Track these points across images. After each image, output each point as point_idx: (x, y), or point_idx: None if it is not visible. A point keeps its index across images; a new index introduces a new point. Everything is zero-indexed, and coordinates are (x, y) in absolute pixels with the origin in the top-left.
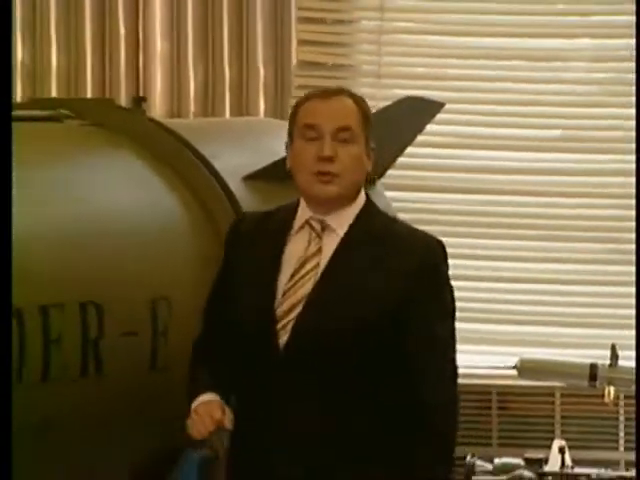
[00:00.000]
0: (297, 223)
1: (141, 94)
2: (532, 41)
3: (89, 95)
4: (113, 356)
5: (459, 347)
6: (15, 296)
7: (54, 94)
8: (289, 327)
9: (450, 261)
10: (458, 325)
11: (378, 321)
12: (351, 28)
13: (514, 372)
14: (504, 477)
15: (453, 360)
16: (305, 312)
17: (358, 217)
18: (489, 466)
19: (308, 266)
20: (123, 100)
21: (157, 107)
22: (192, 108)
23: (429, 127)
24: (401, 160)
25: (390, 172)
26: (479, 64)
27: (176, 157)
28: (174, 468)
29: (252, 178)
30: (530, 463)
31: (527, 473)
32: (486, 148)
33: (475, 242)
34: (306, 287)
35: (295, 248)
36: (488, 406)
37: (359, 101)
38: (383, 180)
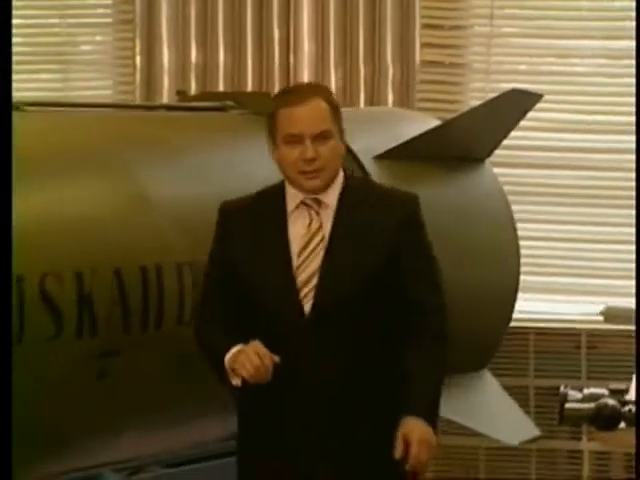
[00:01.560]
0: (290, 204)
1: None
2: (613, 43)
3: (249, 89)
4: None
5: (559, 297)
6: (186, 252)
7: (221, 88)
8: (311, 295)
9: (549, 226)
10: (558, 279)
11: (382, 270)
12: (465, 32)
13: (601, 318)
14: (592, 404)
15: (439, 288)
16: (323, 279)
17: (343, 189)
18: (579, 395)
19: (315, 240)
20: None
21: None
22: None
23: (529, 114)
24: (505, 142)
25: (497, 152)
26: (571, 62)
27: None
28: None
29: (382, 157)
30: (614, 393)
31: (611, 401)
32: (575, 131)
33: (569, 210)
34: (318, 259)
35: (297, 226)
36: (579, 346)
37: (328, 97)
38: (491, 158)
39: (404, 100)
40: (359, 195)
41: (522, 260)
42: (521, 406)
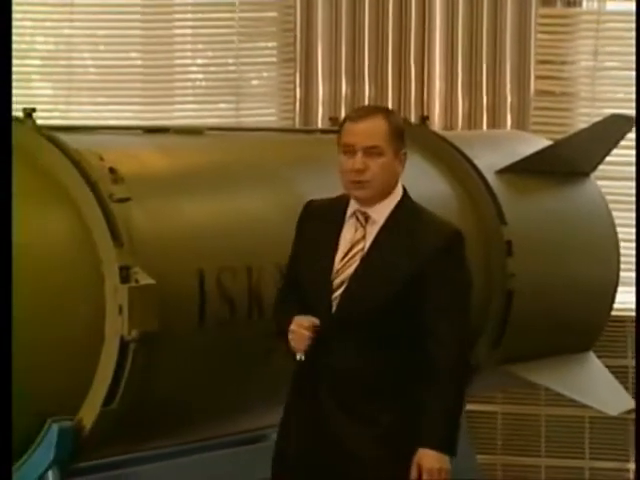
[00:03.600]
0: (349, 212)
1: (425, 114)
2: None
3: None
4: None
5: None
6: None
7: None
8: (339, 298)
9: None
10: None
11: (402, 293)
12: (574, 67)
13: None
14: None
15: (461, 324)
16: (347, 288)
17: (395, 209)
18: None
19: (355, 249)
20: (414, 119)
21: (436, 123)
22: (460, 124)
23: (628, 135)
24: (608, 158)
25: (600, 167)
26: None
27: (449, 157)
28: None
29: (502, 172)
30: None
31: None
32: None
33: None
34: (353, 267)
35: (347, 233)
36: None
37: (389, 118)
38: (595, 172)
39: (521, 124)
40: (407, 218)
41: (622, 259)
42: (620, 383)
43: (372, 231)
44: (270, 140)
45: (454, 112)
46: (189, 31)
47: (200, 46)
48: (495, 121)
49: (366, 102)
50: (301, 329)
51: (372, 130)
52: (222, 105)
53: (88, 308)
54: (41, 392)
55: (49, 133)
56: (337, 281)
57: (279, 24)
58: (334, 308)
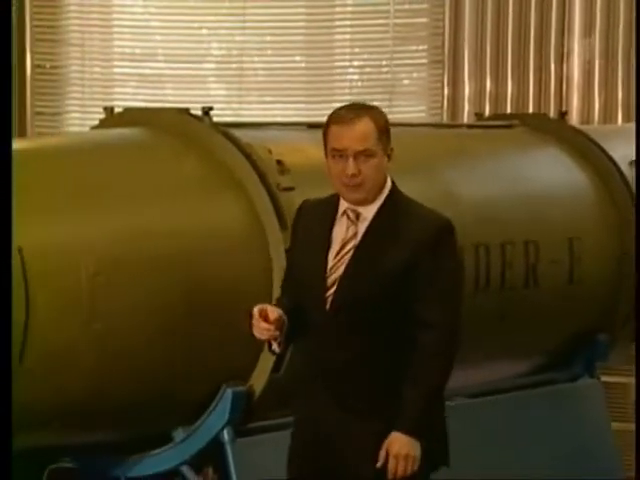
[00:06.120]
0: (340, 210)
1: (564, 110)
2: None
3: (530, 111)
4: (545, 275)
5: None
6: (481, 236)
7: (508, 111)
8: (332, 295)
9: None
10: None
11: (392, 287)
12: None
13: None
14: None
15: (451, 312)
16: (340, 285)
17: (382, 205)
18: None
19: (347, 247)
20: (553, 114)
21: (574, 118)
22: (596, 118)
23: None
24: None
25: None
26: None
27: (586, 149)
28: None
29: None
30: None
31: None
32: None
33: None
34: (346, 264)
35: (339, 230)
36: None
37: (375, 117)
38: None
39: None
40: (395, 212)
41: None
42: None
43: (362, 228)
44: (421, 134)
45: (591, 107)
46: (347, 36)
47: (357, 50)
48: (629, 115)
49: (509, 99)
50: (259, 321)
51: (361, 134)
52: (376, 103)
53: (258, 287)
54: (217, 362)
55: (224, 129)
56: (331, 279)
57: (429, 29)
58: (328, 306)
